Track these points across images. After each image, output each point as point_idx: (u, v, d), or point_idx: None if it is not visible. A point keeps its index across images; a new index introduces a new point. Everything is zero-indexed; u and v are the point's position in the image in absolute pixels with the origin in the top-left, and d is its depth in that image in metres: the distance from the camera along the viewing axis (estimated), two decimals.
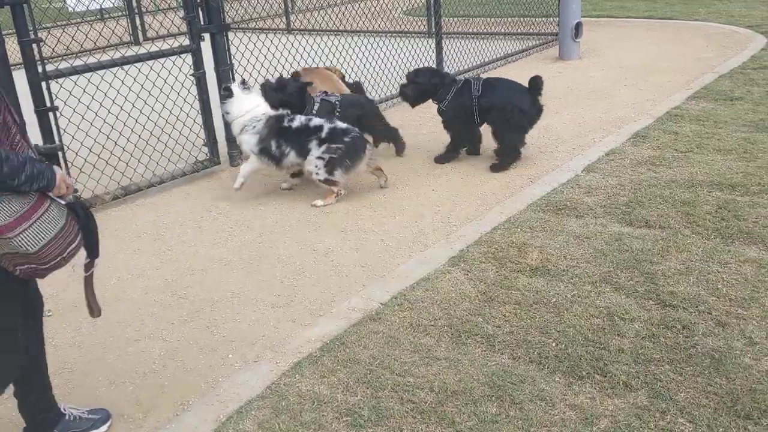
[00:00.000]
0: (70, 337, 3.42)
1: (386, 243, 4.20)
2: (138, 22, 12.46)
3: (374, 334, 3.19)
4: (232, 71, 5.53)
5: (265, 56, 6.42)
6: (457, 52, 8.30)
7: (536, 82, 5.18)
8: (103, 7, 13.32)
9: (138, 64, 4.98)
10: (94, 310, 2.50)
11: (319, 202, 4.76)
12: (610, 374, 2.77)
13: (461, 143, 5.51)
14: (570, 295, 3.39)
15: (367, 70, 7.36)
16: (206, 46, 5.29)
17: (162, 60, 5.12)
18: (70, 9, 12.36)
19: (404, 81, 5.50)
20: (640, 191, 4.53)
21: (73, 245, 2.31)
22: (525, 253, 3.86)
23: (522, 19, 10.37)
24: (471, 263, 3.81)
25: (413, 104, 5.56)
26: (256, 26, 12.55)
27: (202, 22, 5.29)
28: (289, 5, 13.21)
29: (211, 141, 5.50)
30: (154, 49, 5.39)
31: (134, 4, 12.52)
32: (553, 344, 3.01)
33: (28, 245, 2.17)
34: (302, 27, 12.07)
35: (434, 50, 7.85)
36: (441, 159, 5.46)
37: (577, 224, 4.15)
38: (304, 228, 4.47)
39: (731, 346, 2.88)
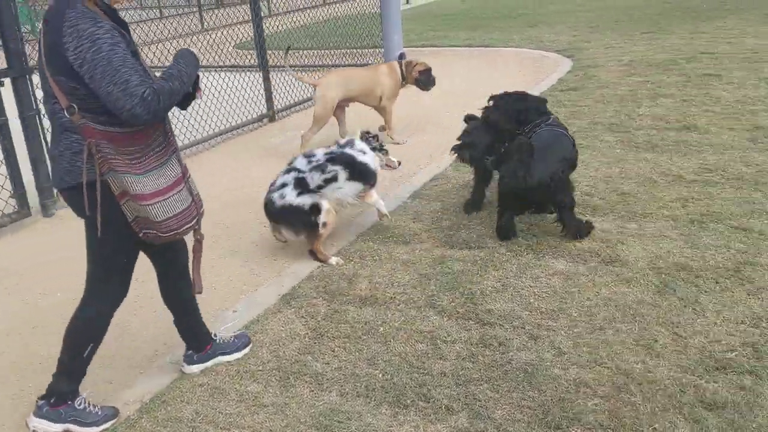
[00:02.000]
0: None
1: (215, 287, 4.07)
2: None
3: (198, 387, 3.07)
4: (39, 116, 5.18)
5: None
6: (287, 86, 8.32)
7: None
8: None
9: None
10: (196, 286, 2.99)
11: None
12: (433, 399, 2.84)
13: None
14: (397, 322, 3.45)
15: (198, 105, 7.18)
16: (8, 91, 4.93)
17: None
18: None
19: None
20: (461, 214, 4.73)
21: (188, 225, 2.77)
22: (355, 284, 3.89)
23: (350, 51, 10.62)
24: (302, 300, 3.78)
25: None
26: None
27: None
28: None
29: (18, 191, 5.10)
30: None
31: None
32: (380, 375, 3.04)
33: (157, 214, 2.64)
34: None
35: (262, 84, 7.82)
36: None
37: (404, 250, 4.25)
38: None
39: (542, 358, 3.05)
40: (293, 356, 3.24)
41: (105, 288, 2.85)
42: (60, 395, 2.84)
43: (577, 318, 3.35)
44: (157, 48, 11.33)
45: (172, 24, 13.64)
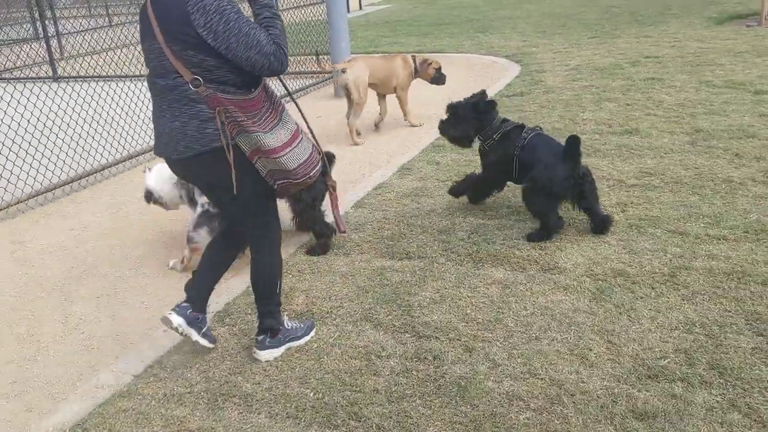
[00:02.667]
0: None
1: (146, 305, 3.94)
2: None
3: (122, 413, 2.94)
4: None
5: (14, 108, 5.87)
6: None
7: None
8: None
9: None
10: (340, 226, 3.36)
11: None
12: (365, 418, 2.77)
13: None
14: (332, 338, 3.37)
15: (138, 116, 7.02)
16: None
17: None
18: None
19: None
20: (403, 223, 4.67)
21: (316, 169, 3.05)
22: (291, 299, 3.80)
23: (298, 57, 10.51)
24: (236, 317, 3.67)
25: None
26: (20, 75, 11.55)
27: None
28: (54, 51, 12.32)
29: None
30: None
31: None
32: (311, 394, 2.95)
33: (289, 163, 2.92)
34: (71, 74, 11.32)
35: None
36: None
37: (344, 262, 4.17)
38: (54, 299, 4.07)
39: (476, 371, 3.00)
40: (223, 377, 3.14)
41: (264, 233, 3.16)
42: (272, 329, 3.23)
43: (513, 328, 3.31)
44: (104, 57, 11.09)
45: (122, 31, 13.39)
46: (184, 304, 3.24)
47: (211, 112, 2.76)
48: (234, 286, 4.03)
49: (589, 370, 2.96)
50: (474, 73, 9.86)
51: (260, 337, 3.24)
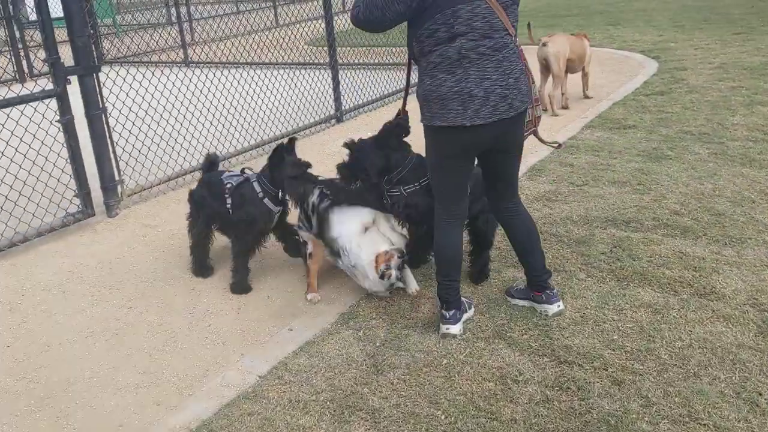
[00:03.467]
0: None
1: (272, 300, 3.88)
2: (24, 56, 11.70)
3: (248, 416, 2.85)
4: (106, 115, 5.10)
5: (152, 93, 6.03)
6: (358, 85, 8.10)
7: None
8: None
9: None
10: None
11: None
12: None
13: None
14: (462, 354, 3.15)
15: (264, 103, 7.06)
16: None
17: (21, 106, 4.64)
18: None
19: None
20: None
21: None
22: (417, 306, 3.62)
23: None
24: (361, 320, 3.54)
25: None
26: (150, 60, 12.01)
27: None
28: (186, 37, 12.74)
29: (83, 191, 5.04)
30: (37, 89, 4.91)
31: (17, 36, 11.73)
32: (443, 417, 2.75)
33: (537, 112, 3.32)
34: (201, 59, 11.64)
35: (331, 83, 7.63)
36: None
37: None
38: (182, 287, 4.09)
39: (627, 408, 2.70)
40: (349, 387, 3.00)
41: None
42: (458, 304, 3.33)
43: (667, 361, 2.98)
44: (231, 44, 11.34)
45: (247, 19, 13.68)
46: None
47: (523, 66, 3.02)
48: (358, 287, 3.89)
49: (761, 418, 2.60)
50: (606, 68, 9.31)
51: (448, 314, 3.33)
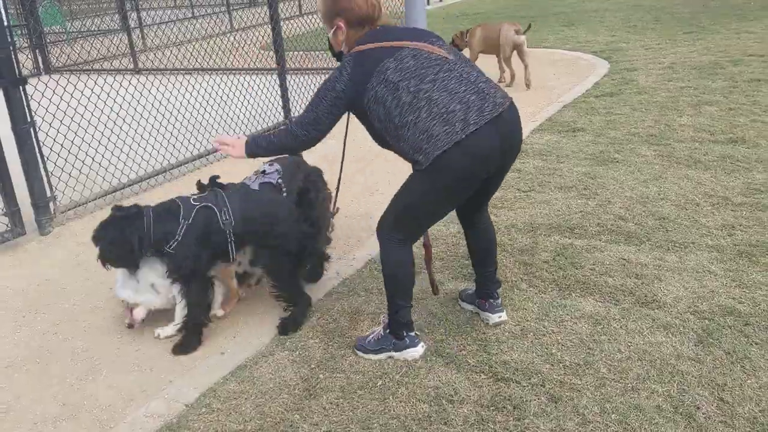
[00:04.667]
0: None
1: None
2: None
3: None
4: (35, 129, 4.89)
5: (95, 103, 5.81)
6: (304, 89, 7.96)
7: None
8: None
9: None
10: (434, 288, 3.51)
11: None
12: None
13: None
14: (398, 374, 3.04)
15: (215, 110, 6.88)
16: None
17: None
18: None
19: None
20: None
21: None
22: (356, 323, 3.50)
23: None
24: (297, 340, 3.40)
25: None
26: (96, 68, 11.70)
27: None
28: (135, 43, 12.45)
29: (11, 209, 4.82)
30: None
31: None
32: None
33: None
34: (152, 67, 11.39)
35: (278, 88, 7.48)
36: None
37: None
38: (113, 309, 3.91)
39: (563, 427, 2.61)
40: (279, 413, 2.86)
41: None
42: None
43: (605, 375, 2.90)
44: (185, 49, 11.11)
45: (201, 24, 13.46)
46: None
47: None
48: None
49: None
50: (558, 69, 9.32)
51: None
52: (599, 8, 15.18)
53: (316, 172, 4.17)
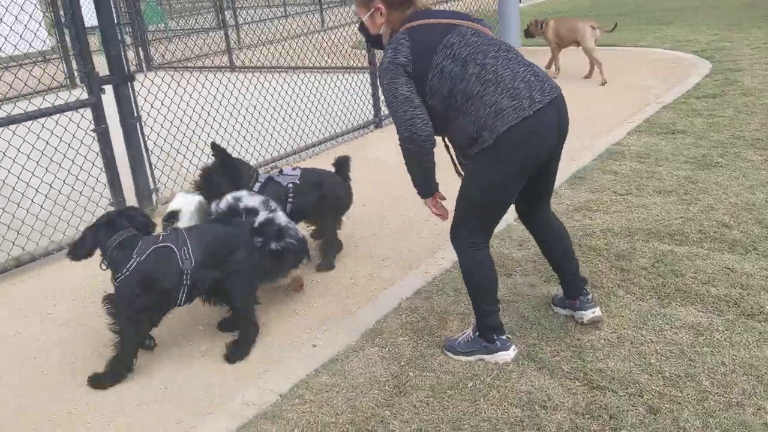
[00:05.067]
0: None
1: (297, 313, 3.80)
2: (74, 64, 11.91)
3: None
4: (141, 123, 5.12)
5: (196, 99, 6.04)
6: None
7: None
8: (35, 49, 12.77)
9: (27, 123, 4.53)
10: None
11: None
12: None
13: None
14: (489, 377, 3.02)
15: (308, 108, 7.02)
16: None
17: (56, 116, 4.69)
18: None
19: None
20: (573, 243, 4.17)
21: None
22: (445, 323, 3.49)
23: None
24: (387, 337, 3.42)
25: None
26: (195, 65, 12.12)
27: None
28: (231, 41, 12.84)
29: (118, 200, 5.07)
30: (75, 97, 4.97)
31: (69, 44, 11.92)
32: None
33: None
34: (246, 65, 11.71)
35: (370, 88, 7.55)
36: None
37: (505, 284, 3.79)
38: None
39: None
40: (370, 409, 2.89)
41: None
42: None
43: (708, 388, 2.78)
44: (275, 48, 11.39)
45: (291, 24, 13.75)
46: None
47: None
48: (386, 299, 3.79)
49: None
50: (656, 70, 8.98)
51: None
52: (701, 5, 14.52)
53: (337, 190, 4.26)
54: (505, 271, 3.94)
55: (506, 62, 2.85)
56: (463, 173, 3.14)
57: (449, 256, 4.24)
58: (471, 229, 3.04)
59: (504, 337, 3.15)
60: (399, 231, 4.74)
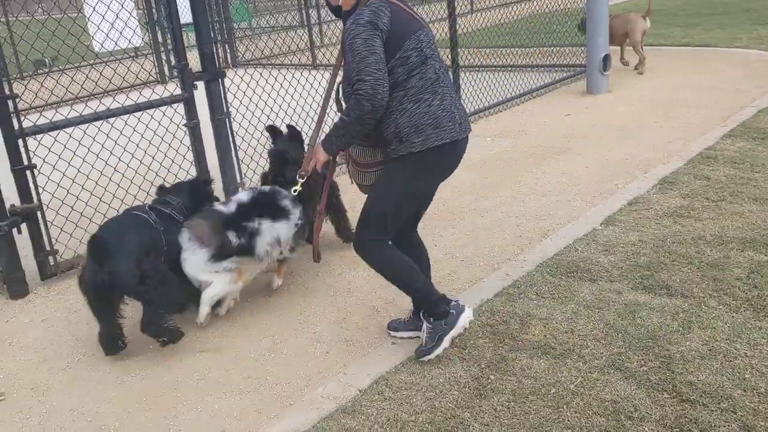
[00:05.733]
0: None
1: (377, 309, 3.83)
2: (165, 59, 12.33)
3: None
4: (229, 119, 5.26)
5: (282, 95, 6.18)
6: (476, 87, 7.93)
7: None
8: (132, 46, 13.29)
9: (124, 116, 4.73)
10: (315, 255, 3.32)
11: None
12: None
13: None
14: (573, 384, 2.95)
15: None
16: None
17: (151, 111, 4.87)
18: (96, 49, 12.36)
19: None
20: (663, 250, 4.06)
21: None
22: (527, 327, 3.44)
23: (547, 49, 9.98)
24: (466, 339, 3.40)
25: None
26: (278, 62, 12.35)
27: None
28: (314, 39, 13.02)
29: None
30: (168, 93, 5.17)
31: (161, 40, 12.34)
32: None
33: None
34: (328, 62, 11.86)
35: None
36: None
37: (590, 290, 3.70)
38: (290, 291, 4.12)
39: None
40: (450, 410, 2.88)
41: None
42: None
43: None
44: None
45: None
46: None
47: None
48: (467, 299, 3.74)
49: None
50: (751, 72, 8.56)
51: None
52: None
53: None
54: (590, 277, 3.85)
55: (449, 84, 3.06)
56: (357, 182, 3.24)
57: (531, 258, 4.18)
58: (375, 234, 3.10)
59: (453, 302, 3.25)
60: (480, 231, 4.71)
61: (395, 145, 2.97)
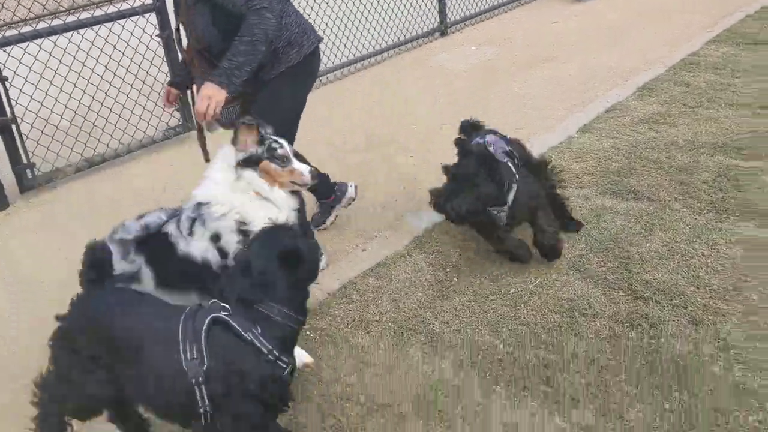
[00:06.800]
0: None
1: (352, 220, 3.89)
2: None
3: (312, 331, 2.92)
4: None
5: None
6: None
7: None
8: None
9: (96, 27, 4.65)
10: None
11: None
12: (557, 385, 2.46)
13: None
14: (532, 284, 3.04)
15: (348, 19, 6.88)
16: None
17: (122, 21, 4.78)
18: None
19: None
20: (635, 156, 4.08)
21: None
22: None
23: None
24: (434, 244, 3.48)
25: None
26: None
27: None
28: None
29: (184, 105, 5.19)
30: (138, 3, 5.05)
31: None
32: (501, 346, 2.69)
33: None
34: None
35: None
36: None
37: None
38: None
39: (701, 351, 2.52)
40: (412, 309, 2.98)
41: None
42: None
43: (756, 303, 2.73)
44: None
45: None
46: None
47: None
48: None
49: None
50: None
51: None
52: None
53: None
54: (559, 184, 3.88)
55: None
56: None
57: None
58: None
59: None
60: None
61: (273, 65, 2.89)
